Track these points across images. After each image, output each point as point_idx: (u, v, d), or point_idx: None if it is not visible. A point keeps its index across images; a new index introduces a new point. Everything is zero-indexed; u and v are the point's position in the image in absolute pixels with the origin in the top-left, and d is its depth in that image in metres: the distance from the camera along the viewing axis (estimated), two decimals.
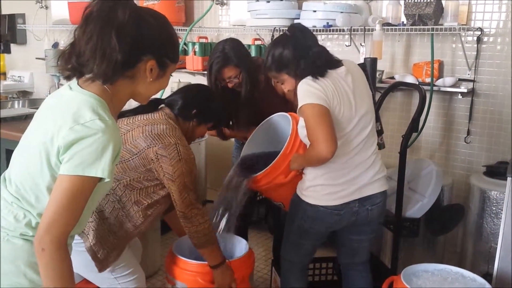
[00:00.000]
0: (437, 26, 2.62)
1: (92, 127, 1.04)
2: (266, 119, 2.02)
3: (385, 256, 2.48)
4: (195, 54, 3.44)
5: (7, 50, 4.93)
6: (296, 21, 2.94)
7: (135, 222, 1.67)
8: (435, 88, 2.73)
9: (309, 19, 2.89)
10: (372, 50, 2.74)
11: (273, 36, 2.97)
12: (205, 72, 2.28)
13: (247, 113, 2.19)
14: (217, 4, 3.57)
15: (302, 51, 1.64)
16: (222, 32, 3.57)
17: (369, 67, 2.48)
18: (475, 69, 2.71)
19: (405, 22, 2.73)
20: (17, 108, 4.03)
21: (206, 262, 1.77)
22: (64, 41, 3.94)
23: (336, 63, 1.69)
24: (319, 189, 1.69)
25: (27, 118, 3.12)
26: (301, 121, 1.68)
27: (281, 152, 1.75)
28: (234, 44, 2.13)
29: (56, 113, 1.10)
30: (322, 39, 3.17)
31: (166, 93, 2.11)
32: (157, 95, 1.57)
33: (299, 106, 1.62)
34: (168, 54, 1.15)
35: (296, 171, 1.75)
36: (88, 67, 1.07)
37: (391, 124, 2.99)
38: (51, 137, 1.06)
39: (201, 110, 1.80)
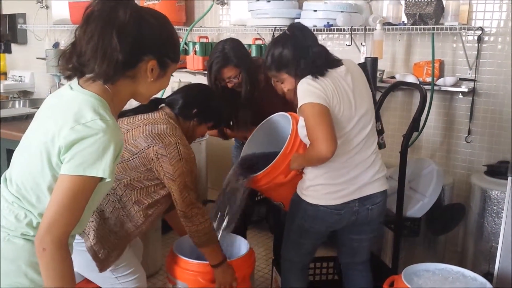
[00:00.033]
0: (437, 26, 2.62)
1: (93, 127, 1.04)
2: (266, 119, 2.02)
3: (386, 255, 2.48)
4: (195, 54, 3.44)
5: (8, 50, 4.94)
6: (296, 20, 2.94)
7: (136, 222, 1.67)
8: (435, 87, 2.73)
9: (310, 19, 2.89)
10: (372, 50, 2.74)
11: (273, 35, 2.97)
12: (206, 72, 2.28)
13: (247, 113, 2.19)
14: (217, 3, 3.57)
15: (302, 51, 1.64)
16: (223, 32, 3.57)
17: (369, 66, 2.48)
18: (475, 68, 2.71)
19: (405, 22, 2.73)
20: (18, 108, 4.04)
21: (206, 262, 1.77)
22: (65, 41, 3.94)
23: (335, 63, 1.69)
24: (320, 188, 1.69)
25: (28, 118, 3.13)
26: (301, 121, 1.68)
27: (281, 152, 1.75)
28: (234, 44, 2.13)
29: (57, 113, 1.10)
30: (322, 39, 3.17)
31: (166, 92, 2.11)
32: (158, 95, 1.57)
33: (299, 106, 1.62)
34: (169, 54, 1.15)
35: (296, 171, 1.75)
36: (89, 67, 1.07)
37: (391, 123, 2.99)
38: (52, 137, 1.06)
39: (201, 109, 1.80)
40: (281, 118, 1.97)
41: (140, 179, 1.65)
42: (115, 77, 1.09)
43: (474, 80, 2.72)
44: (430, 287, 1.72)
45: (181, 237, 2.00)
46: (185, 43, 3.47)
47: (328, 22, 2.86)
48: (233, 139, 2.53)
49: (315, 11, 2.90)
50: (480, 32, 2.65)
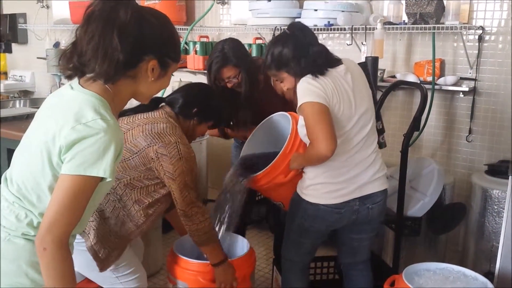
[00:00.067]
0: (438, 25, 2.62)
1: (94, 126, 1.04)
2: (266, 119, 2.02)
3: (387, 255, 2.48)
4: (196, 53, 3.44)
5: (9, 50, 4.94)
6: (297, 20, 2.94)
7: (136, 221, 1.67)
8: (436, 87, 2.73)
9: (310, 18, 2.89)
10: (373, 49, 2.73)
11: (274, 35, 2.97)
12: (206, 71, 2.28)
13: (247, 113, 2.19)
14: (218, 3, 3.57)
15: (301, 50, 1.64)
16: (223, 31, 3.57)
17: (370, 66, 2.48)
18: (476, 67, 2.71)
19: (406, 21, 2.73)
20: (18, 107, 4.04)
21: (207, 262, 1.77)
22: (65, 41, 3.95)
23: (335, 62, 1.69)
24: (320, 187, 1.69)
25: (28, 117, 3.13)
26: (301, 120, 1.68)
27: (280, 152, 1.75)
28: (233, 44, 2.13)
29: (57, 112, 1.10)
30: (323, 38, 3.17)
31: (167, 92, 2.11)
32: (159, 94, 1.57)
33: (298, 105, 1.62)
34: (170, 54, 1.15)
35: (295, 171, 1.75)
36: (90, 66, 1.07)
37: (392, 123, 2.99)
38: (52, 137, 1.06)
39: (201, 108, 1.80)
40: (281, 118, 1.97)
41: (140, 178, 1.65)
42: (116, 77, 1.09)
43: (475, 79, 2.71)
44: (431, 287, 1.72)
45: (182, 236, 2.00)
46: (186, 43, 3.47)
47: (328, 22, 2.86)
48: (232, 138, 2.52)
49: (316, 10, 2.89)
50: (481, 31, 2.65)
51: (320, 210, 1.70)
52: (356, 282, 1.93)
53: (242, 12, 3.33)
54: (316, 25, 2.86)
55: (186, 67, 3.52)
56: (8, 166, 1.20)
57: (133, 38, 1.06)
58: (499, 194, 2.33)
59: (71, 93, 1.12)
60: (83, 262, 1.59)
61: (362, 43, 2.84)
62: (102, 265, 1.61)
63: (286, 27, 1.74)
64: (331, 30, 2.91)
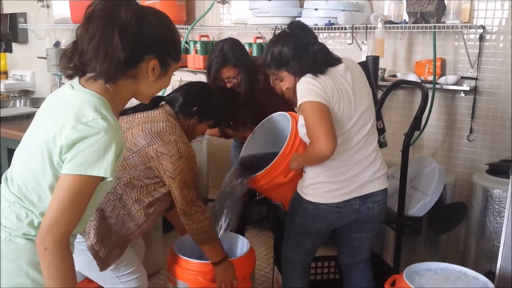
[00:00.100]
0: (439, 24, 2.62)
1: (94, 126, 1.04)
2: (266, 119, 2.02)
3: (388, 254, 2.48)
4: (196, 53, 3.43)
5: (9, 49, 4.94)
6: (298, 19, 2.94)
7: (137, 221, 1.67)
8: (437, 86, 2.73)
9: (311, 17, 2.88)
10: (374, 48, 2.73)
11: (274, 34, 2.96)
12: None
13: (247, 113, 2.19)
14: (218, 2, 3.56)
15: (301, 49, 1.64)
16: (224, 31, 3.57)
17: (371, 65, 2.47)
18: (477, 67, 2.70)
19: (407, 20, 2.73)
20: (19, 107, 4.04)
21: (207, 262, 1.77)
22: (66, 40, 3.95)
23: (335, 61, 1.68)
24: (320, 186, 1.69)
25: (29, 117, 3.13)
26: (301, 119, 1.67)
27: (280, 152, 1.75)
28: (232, 44, 2.13)
29: (58, 112, 1.10)
30: (324, 37, 3.16)
31: (167, 91, 2.11)
32: (159, 93, 1.57)
33: (298, 104, 1.62)
34: (170, 53, 1.15)
35: (295, 171, 1.75)
36: (91, 66, 1.07)
37: (393, 122, 2.98)
38: (53, 136, 1.06)
39: (201, 107, 1.80)
40: (280, 118, 1.97)
41: (140, 177, 1.65)
42: (117, 76, 1.09)
43: (475, 79, 2.71)
44: (432, 287, 1.71)
45: (182, 236, 2.00)
46: (186, 42, 3.47)
47: (329, 21, 2.85)
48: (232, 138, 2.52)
49: (316, 9, 2.89)
50: (481, 30, 2.64)
51: (320, 210, 1.70)
52: (356, 282, 1.93)
53: (243, 11, 3.32)
54: (316, 24, 2.85)
55: (186, 66, 3.52)
56: (9, 165, 1.20)
57: (134, 38, 1.06)
58: (500, 193, 2.33)
59: (71, 92, 1.11)
60: (83, 262, 1.59)
61: (362, 42, 2.84)
62: (103, 265, 1.61)
63: (286, 26, 1.74)
64: (331, 29, 2.91)
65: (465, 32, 2.68)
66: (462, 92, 2.76)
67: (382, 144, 2.30)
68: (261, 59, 2.02)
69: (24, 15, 4.69)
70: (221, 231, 1.90)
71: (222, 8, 3.64)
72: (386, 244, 2.54)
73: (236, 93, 2.16)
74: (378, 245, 2.50)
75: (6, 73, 4.93)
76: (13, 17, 4.69)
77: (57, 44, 4.08)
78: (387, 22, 2.76)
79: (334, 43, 3.14)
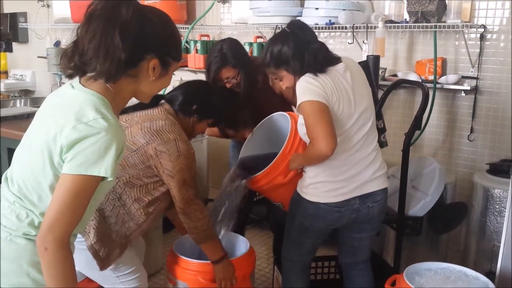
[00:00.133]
0: (440, 23, 2.61)
1: (95, 126, 1.03)
2: (265, 119, 2.02)
3: (388, 254, 2.48)
4: (197, 52, 3.43)
5: (9, 49, 4.94)
6: (298, 18, 2.93)
7: (137, 220, 1.67)
8: (438, 85, 2.72)
9: (312, 17, 2.88)
10: (374, 48, 2.73)
11: (275, 33, 2.96)
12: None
13: (246, 113, 2.18)
14: (219, 2, 3.56)
15: (301, 48, 1.64)
16: (224, 30, 3.57)
17: (371, 64, 2.47)
18: (478, 66, 2.70)
19: (407, 19, 2.72)
20: (19, 107, 4.04)
21: (207, 262, 1.77)
22: (66, 40, 3.94)
23: (334, 60, 1.68)
24: (320, 186, 1.69)
25: (29, 117, 3.12)
26: (301, 119, 1.67)
27: (280, 152, 1.74)
28: (231, 44, 2.12)
29: (58, 111, 1.09)
30: (324, 37, 3.16)
31: (168, 90, 2.11)
32: (160, 92, 1.57)
33: (298, 103, 1.61)
34: (171, 53, 1.15)
35: (295, 171, 1.75)
36: (91, 65, 1.06)
37: (394, 122, 2.98)
38: (53, 136, 1.06)
39: (201, 106, 1.80)
40: (280, 118, 1.97)
41: (139, 176, 1.64)
42: (117, 75, 1.09)
43: (476, 78, 2.71)
44: (432, 287, 1.71)
45: (182, 236, 2.00)
46: (186, 42, 3.47)
47: (330, 20, 2.85)
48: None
49: (317, 9, 2.89)
50: (482, 30, 2.64)
51: (320, 209, 1.70)
52: (357, 282, 1.92)
53: (243, 11, 3.32)
54: (317, 24, 2.85)
55: (187, 66, 3.52)
56: (9, 165, 1.20)
57: (135, 37, 1.06)
58: (501, 193, 2.33)
59: (72, 92, 1.11)
60: (83, 261, 1.59)
61: (363, 41, 2.83)
62: (103, 264, 1.61)
63: (286, 25, 1.73)
64: (332, 28, 2.90)
65: (466, 31, 2.68)
66: (462, 92, 2.76)
67: (382, 144, 2.30)
68: (260, 59, 2.02)
69: (24, 14, 4.69)
70: (221, 231, 1.90)
71: (223, 8, 3.64)
72: (386, 244, 2.53)
73: (235, 93, 2.16)
74: (378, 245, 2.50)
75: (6, 72, 4.92)
76: (14, 16, 4.68)
77: (57, 44, 4.08)
78: (388, 21, 2.76)
79: (334, 43, 3.14)
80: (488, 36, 2.67)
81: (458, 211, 2.42)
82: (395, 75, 2.87)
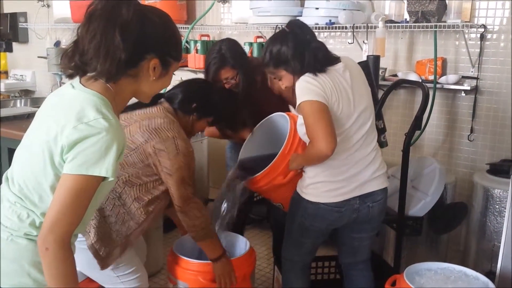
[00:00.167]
0: (440, 23, 2.61)
1: (96, 126, 1.03)
2: (264, 120, 2.02)
3: (388, 254, 2.48)
4: (197, 52, 3.43)
5: (9, 49, 4.93)
6: (298, 18, 2.93)
7: (137, 219, 1.66)
8: (438, 85, 2.72)
9: (312, 17, 2.88)
10: (375, 48, 2.73)
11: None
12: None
13: (245, 114, 2.18)
14: (219, 1, 3.56)
15: (300, 47, 1.63)
16: (224, 30, 3.57)
17: (372, 64, 2.47)
18: (478, 66, 2.70)
19: (408, 19, 2.72)
20: (19, 107, 4.04)
21: (207, 262, 1.77)
22: (66, 40, 3.95)
23: (334, 60, 1.68)
24: (320, 186, 1.69)
25: (29, 117, 3.12)
26: (300, 119, 1.67)
27: (279, 152, 1.74)
28: (230, 44, 2.12)
29: (59, 111, 1.09)
30: (324, 37, 3.16)
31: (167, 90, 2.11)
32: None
33: (297, 103, 1.61)
34: (171, 53, 1.15)
35: (294, 171, 1.75)
36: (92, 65, 1.06)
37: (394, 122, 2.98)
38: (54, 136, 1.06)
39: (201, 104, 1.79)
40: (279, 118, 1.96)
41: (138, 175, 1.64)
42: (118, 75, 1.09)
43: (476, 78, 2.71)
44: (432, 287, 1.71)
45: (182, 236, 2.00)
46: (187, 42, 3.47)
47: (330, 20, 2.85)
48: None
49: (317, 8, 2.89)
50: (482, 29, 2.64)
51: (320, 209, 1.70)
52: (357, 282, 1.92)
53: (243, 11, 3.32)
54: (317, 24, 2.85)
55: (187, 66, 3.52)
56: (9, 165, 1.20)
57: (135, 37, 1.06)
58: (501, 193, 2.33)
59: (72, 92, 1.11)
60: (84, 261, 1.59)
61: (363, 41, 2.83)
62: (103, 263, 1.61)
63: (285, 25, 1.73)
64: (332, 28, 2.90)
65: (466, 31, 2.68)
66: (463, 92, 2.76)
67: (382, 144, 2.30)
68: (258, 59, 2.02)
69: (24, 14, 4.69)
70: (221, 231, 1.90)
71: (223, 8, 3.64)
72: (386, 244, 2.53)
73: (235, 92, 2.16)
74: (378, 245, 2.50)
75: (6, 72, 4.92)
76: (14, 16, 4.68)
77: (57, 44, 4.08)
78: (388, 21, 2.76)
79: (335, 43, 3.13)
80: (488, 36, 2.67)
81: (458, 211, 2.42)
82: (395, 75, 2.87)
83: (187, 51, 3.50)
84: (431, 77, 2.72)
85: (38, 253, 1.06)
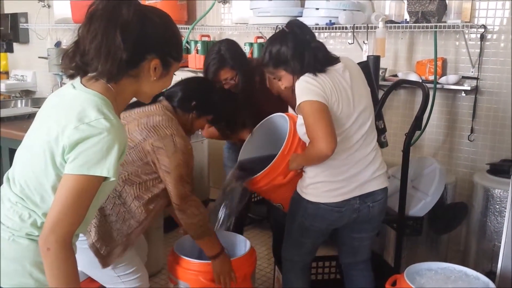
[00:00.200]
0: (440, 24, 2.61)
1: (97, 126, 1.04)
2: (264, 120, 2.02)
3: (388, 254, 2.48)
4: (197, 53, 3.43)
5: (10, 49, 4.94)
6: (298, 18, 2.93)
7: (138, 218, 1.66)
8: (438, 86, 2.73)
9: (312, 17, 2.88)
10: (375, 48, 2.73)
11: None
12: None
13: (244, 114, 2.19)
14: (219, 2, 3.56)
15: (300, 48, 1.64)
16: (225, 30, 3.57)
17: (372, 65, 2.47)
18: (478, 66, 2.70)
19: (408, 20, 2.73)
20: (20, 107, 4.04)
21: (208, 261, 1.77)
22: (67, 40, 3.95)
23: (333, 60, 1.68)
24: (320, 186, 1.69)
25: (30, 117, 3.13)
26: (300, 119, 1.67)
27: (279, 152, 1.74)
28: (229, 45, 2.13)
29: (60, 112, 1.10)
30: (324, 37, 3.16)
31: None
32: None
33: (297, 104, 1.61)
34: (172, 53, 1.15)
35: (294, 172, 1.75)
36: (93, 65, 1.07)
37: (394, 122, 2.98)
38: (55, 136, 1.06)
39: (200, 102, 1.79)
40: (278, 119, 1.97)
41: (138, 173, 1.64)
42: (119, 76, 1.09)
43: (476, 78, 2.71)
44: (433, 287, 1.71)
45: (183, 236, 2.00)
46: (187, 42, 3.47)
47: (330, 20, 2.85)
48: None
49: (317, 9, 2.89)
50: (483, 30, 2.64)
51: (320, 209, 1.70)
52: (357, 282, 1.92)
53: (244, 11, 3.32)
54: (317, 24, 2.85)
55: (187, 66, 3.52)
56: (10, 166, 1.20)
57: (136, 37, 1.06)
58: (501, 193, 2.33)
59: (73, 92, 1.11)
60: (85, 260, 1.59)
61: (363, 42, 2.84)
62: (104, 262, 1.61)
63: (285, 25, 1.73)
64: (332, 29, 2.90)
65: (466, 31, 2.68)
66: (463, 92, 2.76)
67: (383, 144, 2.30)
68: (256, 60, 2.01)
69: (25, 15, 4.69)
70: (221, 231, 1.90)
71: (223, 8, 3.64)
72: (387, 244, 2.54)
73: (234, 93, 2.16)
74: (378, 245, 2.50)
75: (7, 73, 4.93)
76: (14, 17, 4.69)
77: (58, 44, 4.08)
78: (388, 21, 2.76)
79: (335, 43, 3.14)
80: (489, 36, 2.67)
81: (458, 211, 2.43)
82: (396, 75, 2.87)
83: (188, 51, 3.50)
84: (431, 77, 2.72)
85: (39, 253, 1.06)
